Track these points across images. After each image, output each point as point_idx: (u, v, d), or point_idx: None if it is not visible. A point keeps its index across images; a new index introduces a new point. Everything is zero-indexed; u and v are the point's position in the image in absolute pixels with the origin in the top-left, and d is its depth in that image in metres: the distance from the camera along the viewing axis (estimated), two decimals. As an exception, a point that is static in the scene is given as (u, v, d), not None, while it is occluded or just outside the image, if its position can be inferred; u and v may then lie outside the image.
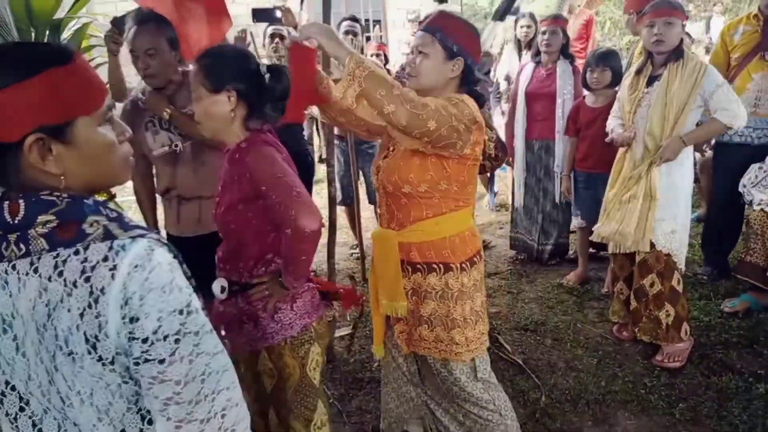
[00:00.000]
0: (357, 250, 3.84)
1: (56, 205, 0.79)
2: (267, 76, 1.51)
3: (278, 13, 3.13)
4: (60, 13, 2.99)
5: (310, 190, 3.34)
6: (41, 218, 0.77)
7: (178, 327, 0.79)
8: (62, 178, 0.80)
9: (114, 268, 0.77)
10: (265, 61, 1.70)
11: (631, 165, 2.58)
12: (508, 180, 4.44)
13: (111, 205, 0.86)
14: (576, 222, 3.49)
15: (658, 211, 2.45)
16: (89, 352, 0.77)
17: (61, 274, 0.76)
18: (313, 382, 1.62)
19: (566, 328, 2.89)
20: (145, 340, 0.77)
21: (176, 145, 2.17)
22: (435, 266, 1.70)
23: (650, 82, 2.49)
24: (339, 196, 3.71)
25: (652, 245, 2.48)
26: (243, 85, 1.48)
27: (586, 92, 3.36)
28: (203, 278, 2.51)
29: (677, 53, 2.40)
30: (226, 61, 1.48)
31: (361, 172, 3.87)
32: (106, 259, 0.77)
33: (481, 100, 1.70)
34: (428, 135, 1.50)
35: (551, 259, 3.73)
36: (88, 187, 0.85)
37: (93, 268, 0.76)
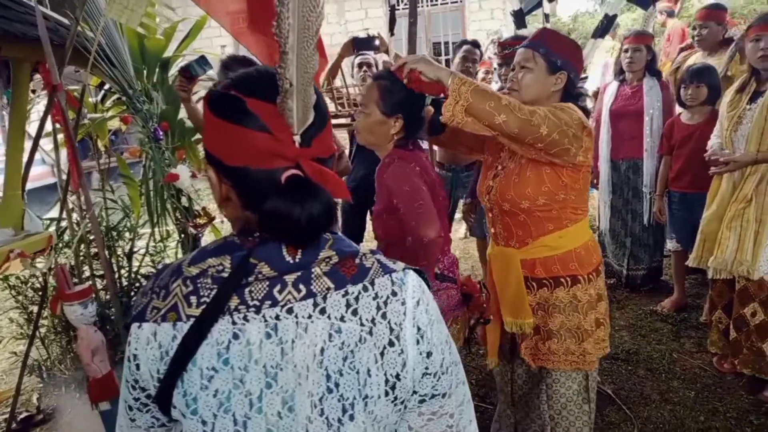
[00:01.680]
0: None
1: (327, 240, 0.73)
2: (430, 108, 1.70)
3: (377, 42, 3.29)
4: (168, 52, 3.29)
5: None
6: (323, 254, 0.72)
7: (453, 357, 0.78)
8: None
9: (404, 302, 0.73)
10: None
11: (730, 186, 2.43)
12: (594, 202, 4.30)
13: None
14: (671, 245, 3.31)
15: (764, 235, 2.29)
16: (386, 394, 0.72)
17: (355, 312, 0.71)
18: None
19: (660, 357, 2.74)
20: (434, 374, 0.75)
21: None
22: (562, 280, 1.71)
23: (753, 98, 2.35)
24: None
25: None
26: (410, 115, 1.65)
27: (680, 109, 3.22)
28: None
29: None
30: (404, 89, 1.60)
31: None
32: (395, 293, 0.73)
33: (586, 113, 1.71)
34: (541, 140, 1.51)
35: (644, 285, 3.55)
36: None
37: (386, 303, 0.73)
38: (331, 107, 3.07)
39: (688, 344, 2.86)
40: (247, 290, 0.69)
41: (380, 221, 1.71)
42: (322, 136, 0.73)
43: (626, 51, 3.42)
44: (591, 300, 1.72)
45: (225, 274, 0.70)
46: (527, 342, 1.79)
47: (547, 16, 3.71)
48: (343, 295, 0.71)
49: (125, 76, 2.51)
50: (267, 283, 0.70)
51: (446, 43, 10.21)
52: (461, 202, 3.27)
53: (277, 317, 0.69)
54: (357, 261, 0.74)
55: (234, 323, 0.69)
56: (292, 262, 0.70)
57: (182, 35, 3.41)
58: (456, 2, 9.80)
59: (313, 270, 0.71)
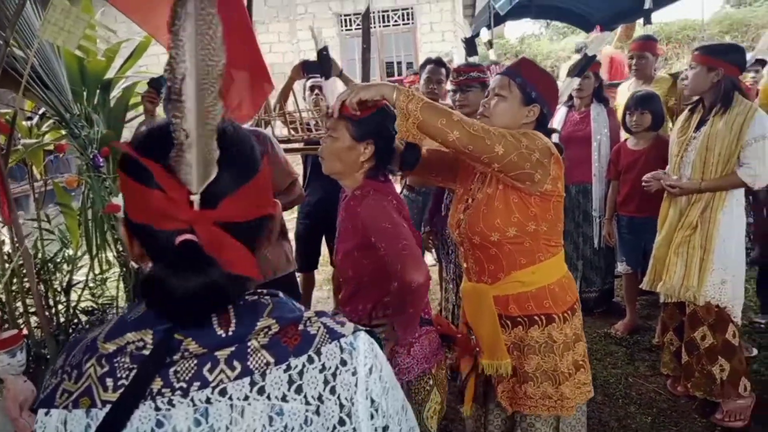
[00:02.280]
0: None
1: (265, 305, 0.66)
2: (399, 145, 1.59)
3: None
4: (110, 73, 3.13)
5: None
6: (261, 324, 0.64)
7: (409, 424, 0.72)
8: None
9: (355, 371, 0.66)
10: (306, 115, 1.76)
11: (677, 212, 2.49)
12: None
13: None
14: (621, 268, 3.38)
15: (711, 261, 2.35)
16: None
17: (299, 390, 0.63)
18: (429, 430, 1.58)
19: (617, 382, 2.76)
20: None
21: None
22: (537, 318, 1.63)
23: (699, 126, 2.42)
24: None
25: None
26: (382, 143, 1.53)
27: (626, 134, 3.31)
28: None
29: (725, 99, 2.31)
30: (376, 115, 1.51)
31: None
32: (344, 362, 0.66)
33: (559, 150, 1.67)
34: (497, 161, 1.46)
35: (597, 307, 3.60)
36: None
37: (335, 375, 0.65)
38: (284, 131, 2.98)
39: (642, 367, 2.90)
40: (172, 370, 0.61)
41: (350, 260, 1.56)
42: (239, 197, 0.64)
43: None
44: (567, 341, 1.64)
45: (146, 352, 0.61)
46: (504, 385, 1.71)
47: (490, 42, 3.77)
48: (285, 371, 0.63)
49: (61, 100, 2.35)
50: (195, 361, 0.61)
51: (398, 63, 10.31)
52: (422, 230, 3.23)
53: (208, 400, 0.61)
54: (300, 328, 0.66)
55: (157, 409, 0.60)
56: (224, 335, 0.62)
57: (127, 54, 3.26)
58: (408, 24, 9.92)
59: (249, 343, 0.62)
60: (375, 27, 9.96)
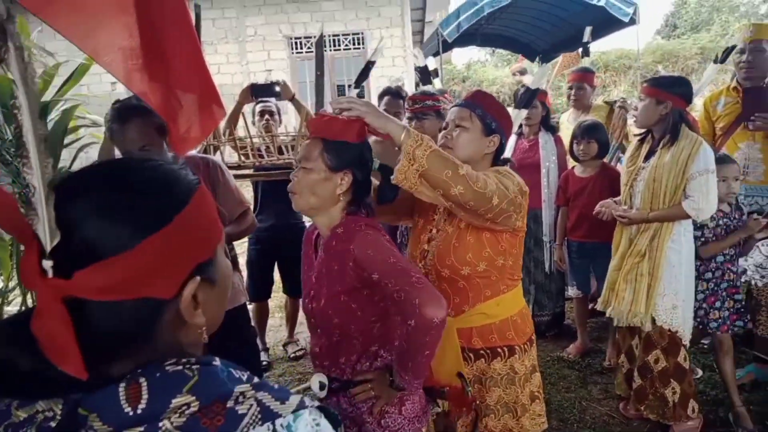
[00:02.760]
0: None
1: (188, 378, 0.56)
2: (378, 174, 1.50)
3: (277, 88, 3.12)
4: (48, 95, 2.97)
5: None
6: (176, 401, 0.54)
7: None
8: (204, 329, 0.61)
9: None
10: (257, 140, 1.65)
11: (627, 240, 2.56)
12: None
13: None
14: (572, 292, 3.44)
15: (659, 286, 2.42)
16: None
17: None
18: None
19: (571, 406, 2.78)
20: None
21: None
22: (500, 350, 1.64)
23: (648, 157, 2.49)
24: None
25: (654, 321, 2.42)
26: (359, 173, 1.43)
27: (573, 162, 3.41)
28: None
29: (672, 131, 2.39)
30: (353, 144, 1.42)
31: None
32: None
33: None
34: (491, 211, 1.47)
35: (549, 330, 3.65)
36: (209, 333, 0.65)
37: None
38: (235, 157, 2.89)
39: (595, 391, 2.93)
40: None
41: (336, 305, 1.40)
42: (104, 268, 0.53)
43: (523, 107, 3.60)
44: (527, 372, 1.67)
45: (53, 424, 0.54)
46: (464, 420, 1.70)
47: (436, 71, 3.83)
48: None
49: (-8, 125, 2.20)
50: None
51: (349, 86, 10.35)
52: None
53: None
54: (228, 405, 0.56)
55: None
56: (131, 413, 0.53)
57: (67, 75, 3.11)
58: (358, 48, 10.00)
59: (161, 424, 0.53)
60: (326, 51, 9.98)
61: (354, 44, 10.02)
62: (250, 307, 2.49)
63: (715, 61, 2.69)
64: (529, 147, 3.62)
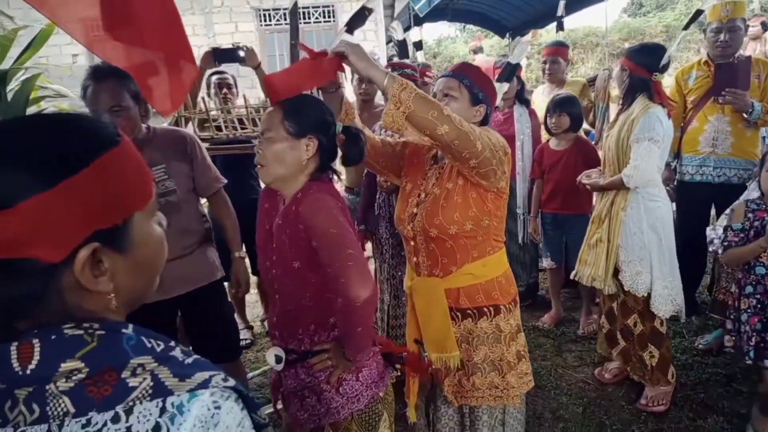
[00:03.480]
0: None
1: (85, 343, 0.56)
2: (342, 137, 1.47)
3: (241, 53, 2.98)
4: (6, 63, 2.82)
5: None
6: (65, 366, 0.54)
7: None
8: (112, 297, 0.60)
9: None
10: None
11: (599, 206, 2.63)
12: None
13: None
14: (546, 263, 3.50)
15: (622, 253, 2.48)
16: None
17: None
18: None
19: (547, 374, 2.85)
20: None
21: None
22: (486, 310, 1.69)
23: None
24: None
25: (622, 286, 2.49)
26: (324, 137, 1.42)
27: (547, 135, 3.43)
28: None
29: (626, 97, 2.45)
30: (312, 107, 1.41)
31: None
32: (158, 429, 0.54)
33: None
34: (476, 156, 1.50)
35: (523, 301, 3.67)
36: (130, 303, 0.65)
37: None
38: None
39: (570, 358, 3.01)
40: None
41: (291, 276, 1.39)
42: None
43: (497, 80, 3.59)
44: (512, 331, 1.73)
45: None
46: (450, 379, 1.73)
47: (420, 43, 3.79)
48: (83, 426, 0.53)
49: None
50: None
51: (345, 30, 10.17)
52: None
53: None
54: (123, 376, 0.55)
55: None
56: (20, 373, 0.53)
57: (26, 43, 2.95)
58: (329, 21, 9.81)
59: (48, 387, 0.53)
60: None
61: (324, 17, 9.83)
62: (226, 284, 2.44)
63: (685, 28, 2.71)
64: (504, 120, 3.62)
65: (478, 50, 7.83)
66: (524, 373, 1.76)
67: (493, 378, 1.70)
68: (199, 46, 9.47)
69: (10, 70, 2.78)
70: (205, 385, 0.57)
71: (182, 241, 2.11)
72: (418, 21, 9.61)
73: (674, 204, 3.16)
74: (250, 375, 2.98)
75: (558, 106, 3.22)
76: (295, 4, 2.67)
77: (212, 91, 3.35)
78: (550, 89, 3.91)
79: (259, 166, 1.43)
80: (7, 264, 0.54)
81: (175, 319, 2.32)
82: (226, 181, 2.31)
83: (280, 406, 1.61)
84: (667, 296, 2.42)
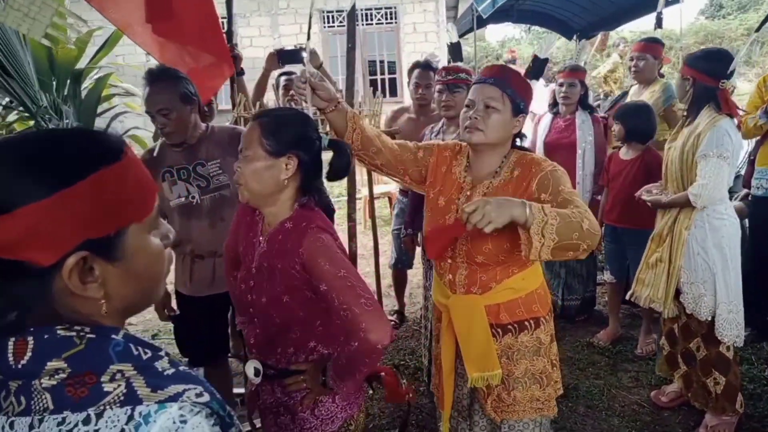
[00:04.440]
0: (396, 317, 3.69)
1: (73, 345, 0.59)
2: (325, 149, 1.39)
3: (304, 54, 3.02)
4: (82, 63, 2.98)
5: None
6: (50, 365, 0.58)
7: None
8: (103, 303, 0.62)
9: None
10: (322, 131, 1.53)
11: (660, 224, 2.49)
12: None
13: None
14: (606, 276, 3.35)
15: (684, 274, 2.33)
16: None
17: None
18: None
19: (600, 393, 2.72)
20: None
21: (193, 197, 2.12)
22: (526, 323, 1.64)
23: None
24: (392, 257, 3.55)
25: (684, 308, 2.34)
26: (305, 155, 1.34)
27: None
28: (215, 342, 2.39)
29: (691, 109, 2.29)
30: (292, 124, 1.35)
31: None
32: None
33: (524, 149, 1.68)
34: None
35: (578, 315, 3.57)
36: (127, 310, 0.68)
37: None
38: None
39: (625, 378, 2.86)
40: None
41: (277, 306, 1.35)
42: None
43: (561, 85, 3.48)
44: (550, 342, 1.69)
45: None
46: (492, 395, 1.68)
47: (454, 47, 3.66)
48: (58, 424, 0.56)
49: (27, 90, 2.20)
50: None
51: (381, 61, 10.22)
52: (401, 233, 3.15)
53: (2, 428, 0.58)
54: (101, 380, 0.58)
55: None
56: (13, 366, 0.58)
57: (100, 43, 3.11)
58: (391, 23, 9.84)
59: (34, 383, 0.58)
60: (358, 25, 9.83)
61: (386, 18, 9.87)
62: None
63: (756, 30, 2.52)
64: (565, 126, 3.50)
65: (512, 62, 7.83)
66: (555, 381, 1.73)
67: (534, 391, 1.66)
68: (264, 47, 9.72)
69: (85, 69, 2.94)
70: (175, 398, 0.59)
71: None
72: (481, 23, 9.48)
73: (746, 221, 2.96)
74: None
75: (619, 115, 3.08)
76: (353, 7, 2.68)
77: (280, 92, 3.42)
78: (639, 90, 3.69)
79: (237, 185, 1.37)
80: (4, 264, 0.57)
81: (226, 313, 2.38)
82: None
83: (257, 421, 1.58)
84: (732, 320, 2.26)
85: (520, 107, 1.59)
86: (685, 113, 2.39)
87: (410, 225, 2.93)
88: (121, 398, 0.58)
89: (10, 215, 0.56)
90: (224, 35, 2.48)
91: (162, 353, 0.65)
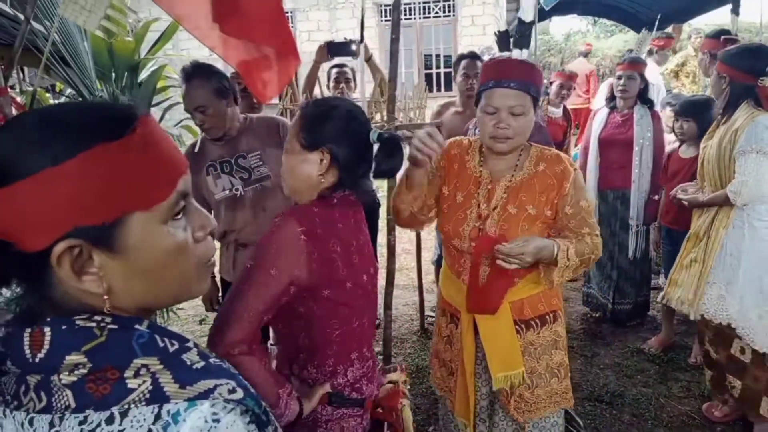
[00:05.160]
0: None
1: (94, 337, 0.54)
2: (376, 146, 1.25)
3: (354, 47, 3.02)
4: (141, 54, 3.11)
5: (375, 236, 3.20)
6: (69, 359, 0.53)
7: None
8: (105, 299, 0.56)
9: None
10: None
11: (697, 224, 2.39)
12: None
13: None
14: (661, 280, 3.18)
15: (711, 274, 2.23)
16: None
17: None
18: None
19: (647, 402, 2.59)
20: None
21: (237, 189, 2.16)
22: (547, 317, 1.66)
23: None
24: (435, 253, 3.53)
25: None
26: (342, 150, 1.22)
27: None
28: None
29: (727, 107, 2.19)
30: (330, 117, 1.23)
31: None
32: None
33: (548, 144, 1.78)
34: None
35: (630, 320, 3.41)
36: (145, 306, 0.61)
37: None
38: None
39: (675, 388, 2.71)
40: (4, 379, 0.56)
41: (281, 311, 1.21)
42: None
43: (619, 78, 3.31)
44: (565, 335, 1.72)
45: None
46: (515, 395, 1.65)
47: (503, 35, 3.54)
48: (80, 423, 0.51)
49: (84, 80, 2.32)
50: (15, 378, 0.55)
51: (437, 56, 10.13)
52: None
53: (22, 425, 0.53)
54: (122, 375, 0.53)
55: None
56: (30, 359, 0.53)
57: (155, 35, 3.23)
58: (449, 16, 9.73)
59: (53, 378, 0.53)
60: (415, 18, 9.80)
61: (444, 12, 9.76)
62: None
63: None
64: (622, 122, 3.33)
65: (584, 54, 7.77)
66: (569, 372, 1.76)
67: (553, 385, 1.67)
68: (322, 41, 9.88)
69: (141, 60, 3.06)
70: (206, 395, 0.54)
71: None
72: (544, 15, 9.21)
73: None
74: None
75: (683, 111, 2.91)
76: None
77: (331, 84, 3.45)
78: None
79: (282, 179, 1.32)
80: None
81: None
82: None
83: None
84: (764, 326, 2.13)
85: (537, 100, 1.58)
86: (720, 112, 2.27)
87: None
88: (147, 396, 0.53)
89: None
90: (291, 28, 2.50)
91: (191, 344, 0.59)
